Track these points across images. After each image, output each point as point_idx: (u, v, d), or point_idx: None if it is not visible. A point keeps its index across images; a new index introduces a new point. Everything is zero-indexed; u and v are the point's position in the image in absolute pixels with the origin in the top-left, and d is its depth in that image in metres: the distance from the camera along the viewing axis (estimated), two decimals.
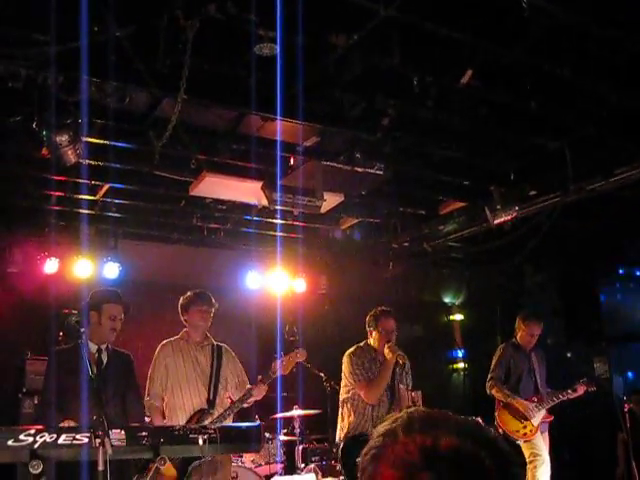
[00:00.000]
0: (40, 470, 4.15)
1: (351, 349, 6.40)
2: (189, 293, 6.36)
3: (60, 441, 4.27)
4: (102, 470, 4.16)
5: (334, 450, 6.51)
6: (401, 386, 6.25)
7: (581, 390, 7.55)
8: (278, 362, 6.20)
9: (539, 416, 7.41)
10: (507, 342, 7.76)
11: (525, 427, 7.31)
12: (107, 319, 5.33)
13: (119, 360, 5.50)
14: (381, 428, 1.26)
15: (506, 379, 7.54)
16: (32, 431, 4.22)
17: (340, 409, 6.38)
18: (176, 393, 6.00)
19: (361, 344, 6.43)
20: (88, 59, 4.59)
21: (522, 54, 5.19)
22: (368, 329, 6.43)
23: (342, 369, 6.38)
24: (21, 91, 4.85)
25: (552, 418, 7.58)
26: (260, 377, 6.13)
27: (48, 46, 4.49)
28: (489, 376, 7.57)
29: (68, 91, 4.92)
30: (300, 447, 7.95)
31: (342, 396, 6.35)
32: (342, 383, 6.40)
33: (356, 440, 6.01)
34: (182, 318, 6.34)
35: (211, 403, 6.03)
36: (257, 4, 4.46)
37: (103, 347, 5.38)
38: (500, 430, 7.28)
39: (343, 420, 6.28)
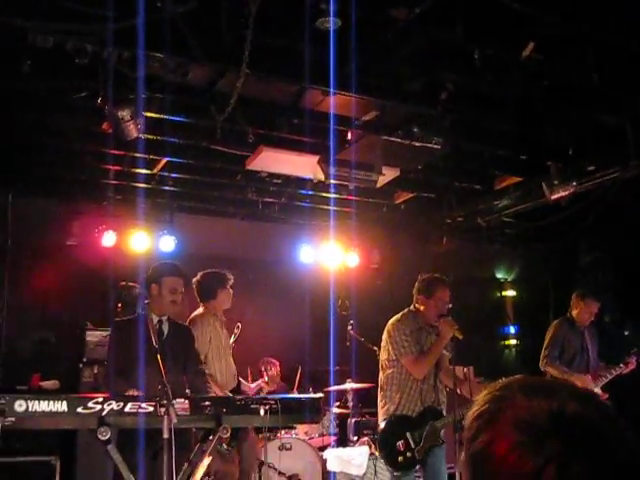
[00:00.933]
0: (108, 437, 4.28)
1: (397, 316, 5.85)
2: (227, 273, 6.46)
3: (127, 409, 4.39)
4: (167, 438, 4.28)
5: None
6: (445, 352, 5.83)
7: (633, 363, 7.43)
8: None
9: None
10: (562, 318, 7.63)
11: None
12: (167, 292, 5.40)
13: (179, 332, 5.58)
14: (487, 395, 1.20)
15: (559, 357, 7.46)
16: (100, 399, 4.34)
17: (381, 385, 5.89)
18: (219, 367, 6.15)
19: (405, 311, 5.87)
20: (151, 35, 4.64)
21: (586, 27, 5.10)
22: (418, 296, 5.85)
23: (384, 339, 5.88)
24: (86, 67, 4.92)
25: (607, 397, 7.48)
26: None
27: (113, 22, 4.55)
28: (544, 353, 7.45)
29: (132, 67, 4.98)
30: (353, 420, 8.03)
31: (385, 371, 5.84)
32: (383, 356, 5.90)
33: (401, 420, 5.65)
34: (215, 292, 6.43)
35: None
36: None
37: (164, 319, 5.46)
38: None
39: (385, 398, 5.80)
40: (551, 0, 4.77)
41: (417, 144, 6.41)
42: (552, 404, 1.11)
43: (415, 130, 6.32)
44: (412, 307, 5.92)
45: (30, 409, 4.15)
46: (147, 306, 5.28)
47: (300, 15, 4.74)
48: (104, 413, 4.31)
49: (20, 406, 4.11)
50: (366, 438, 7.90)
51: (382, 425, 5.78)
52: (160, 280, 5.44)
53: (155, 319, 5.40)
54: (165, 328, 5.46)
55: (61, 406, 4.24)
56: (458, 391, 5.76)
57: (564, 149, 7.39)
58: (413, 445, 5.55)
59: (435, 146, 6.49)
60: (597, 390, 7.34)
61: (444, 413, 5.77)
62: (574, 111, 6.64)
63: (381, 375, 5.92)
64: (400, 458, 5.53)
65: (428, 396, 5.75)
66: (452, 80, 5.85)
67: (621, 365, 7.42)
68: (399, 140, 6.41)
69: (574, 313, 7.58)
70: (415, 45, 5.31)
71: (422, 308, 5.84)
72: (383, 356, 5.92)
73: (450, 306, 5.81)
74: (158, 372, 4.74)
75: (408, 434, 5.58)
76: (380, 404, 5.89)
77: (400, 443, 5.56)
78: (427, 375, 5.75)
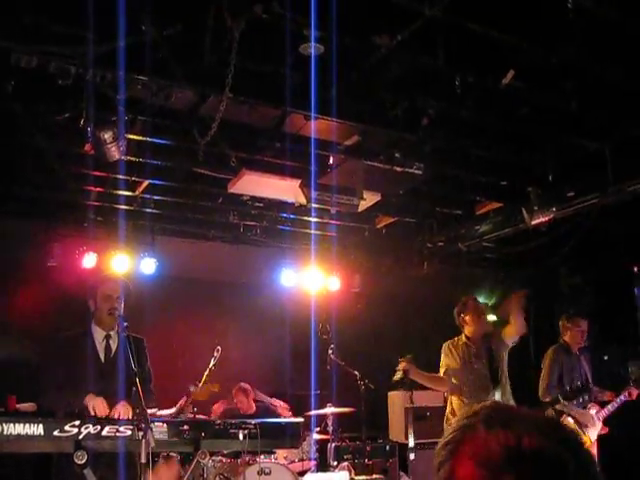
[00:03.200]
0: (85, 460, 4.24)
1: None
2: None
3: (104, 433, 4.36)
4: (144, 463, 4.25)
5: None
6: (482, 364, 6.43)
7: (635, 393, 7.34)
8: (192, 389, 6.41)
9: (597, 428, 7.25)
10: (556, 346, 7.56)
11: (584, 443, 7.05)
12: (102, 301, 5.18)
13: (131, 345, 4.98)
14: (456, 423, 1.22)
15: (561, 385, 7.36)
16: (77, 422, 4.31)
17: None
18: None
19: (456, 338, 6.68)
20: (134, 57, 4.67)
21: (565, 55, 5.17)
22: (459, 318, 6.63)
23: None
24: (69, 88, 4.92)
25: (607, 430, 7.36)
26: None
27: (97, 44, 4.56)
28: (542, 384, 7.39)
29: (115, 88, 4.99)
30: (333, 445, 7.98)
31: None
32: None
33: None
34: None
35: None
36: (302, 4, 4.49)
37: (112, 333, 5.20)
38: None
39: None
40: (530, 29, 4.83)
41: (398, 169, 6.46)
42: (508, 437, 1.11)
43: (396, 155, 6.38)
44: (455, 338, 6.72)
45: (5, 432, 4.11)
46: (126, 329, 5.14)
47: (283, 40, 4.78)
48: (81, 436, 4.29)
49: None
50: (346, 463, 7.87)
51: None
52: (94, 293, 5.25)
53: (102, 335, 5.19)
54: (113, 344, 5.19)
55: (37, 429, 4.21)
56: None
57: (544, 175, 7.46)
58: None
59: (416, 171, 6.53)
60: (598, 424, 7.24)
61: None
62: (554, 137, 6.73)
63: None
64: None
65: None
66: (433, 106, 5.91)
67: (623, 395, 7.31)
68: (381, 165, 6.45)
69: (566, 338, 7.52)
70: (397, 71, 5.37)
71: (468, 326, 6.61)
72: None
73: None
74: (102, 389, 4.72)
75: None
76: None
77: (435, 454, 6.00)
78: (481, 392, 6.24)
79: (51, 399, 4.93)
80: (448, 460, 1.17)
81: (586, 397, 7.27)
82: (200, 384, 6.51)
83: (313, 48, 4.85)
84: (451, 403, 6.51)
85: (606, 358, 9.43)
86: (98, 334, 5.19)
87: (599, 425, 7.26)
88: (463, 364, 6.46)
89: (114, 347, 5.19)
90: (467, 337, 6.56)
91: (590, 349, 7.76)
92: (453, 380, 6.45)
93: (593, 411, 7.24)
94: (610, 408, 7.29)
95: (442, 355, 6.64)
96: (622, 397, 7.31)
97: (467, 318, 6.58)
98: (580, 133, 6.58)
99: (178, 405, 6.35)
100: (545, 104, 6.02)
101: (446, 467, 1.17)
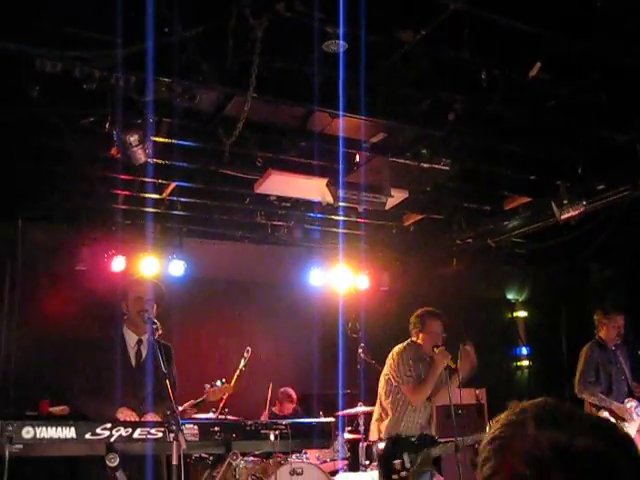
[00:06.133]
0: (117, 463, 4.23)
1: (401, 345, 6.33)
2: None
3: (135, 435, 4.35)
4: (176, 465, 4.23)
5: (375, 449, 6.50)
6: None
7: None
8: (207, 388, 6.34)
9: (636, 423, 7.12)
10: (592, 342, 7.48)
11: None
12: (132, 303, 5.16)
13: (160, 349, 4.84)
14: (504, 418, 1.20)
15: (597, 382, 7.28)
16: (108, 425, 4.31)
17: (383, 407, 6.26)
18: None
19: (409, 341, 6.37)
20: (158, 60, 4.66)
21: (593, 45, 5.09)
22: (413, 330, 6.40)
23: (389, 365, 6.29)
24: (94, 92, 4.93)
25: None
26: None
27: (121, 48, 4.57)
28: (577, 378, 7.30)
29: (139, 91, 4.99)
30: (364, 444, 7.94)
31: (389, 396, 6.21)
32: (383, 381, 6.31)
33: (402, 442, 6.02)
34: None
35: None
36: (324, 1, 4.46)
37: (144, 338, 5.18)
38: None
39: (382, 420, 6.23)
40: (556, 20, 4.76)
41: (425, 165, 6.41)
42: (560, 437, 1.09)
43: (423, 151, 6.32)
44: (411, 339, 6.43)
45: (38, 436, 4.12)
46: (155, 330, 5.11)
47: (306, 38, 4.75)
48: (112, 439, 4.28)
49: (28, 433, 4.09)
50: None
51: (384, 443, 6.16)
52: (126, 295, 5.25)
53: (134, 339, 5.18)
54: (144, 349, 5.19)
55: (69, 432, 4.21)
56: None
57: (573, 168, 7.35)
58: (408, 466, 5.83)
59: (443, 167, 6.48)
60: (637, 419, 7.14)
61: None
62: (582, 130, 6.61)
63: (384, 399, 6.29)
64: (395, 476, 5.82)
65: (426, 424, 6.26)
66: (459, 101, 5.84)
67: None
68: (407, 162, 6.40)
69: (602, 334, 7.45)
70: (422, 67, 5.31)
71: (419, 341, 6.37)
72: (385, 381, 6.34)
73: (445, 335, 6.31)
74: (132, 394, 4.74)
75: (405, 455, 5.87)
76: (376, 423, 6.33)
77: (397, 462, 5.86)
78: (426, 404, 6.25)
79: (83, 404, 4.96)
80: (494, 457, 1.15)
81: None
82: (214, 384, 6.42)
83: (341, 46, 4.80)
84: (398, 410, 6.16)
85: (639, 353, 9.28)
86: (130, 338, 5.19)
87: (638, 420, 7.14)
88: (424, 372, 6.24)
89: (144, 352, 5.19)
90: (421, 346, 6.33)
91: (625, 344, 7.62)
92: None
93: (631, 405, 7.14)
94: None
95: (402, 362, 6.18)
96: None
97: (422, 335, 6.33)
98: (609, 125, 6.46)
99: (187, 404, 6.25)
100: (573, 96, 5.93)
101: (492, 464, 1.15)
